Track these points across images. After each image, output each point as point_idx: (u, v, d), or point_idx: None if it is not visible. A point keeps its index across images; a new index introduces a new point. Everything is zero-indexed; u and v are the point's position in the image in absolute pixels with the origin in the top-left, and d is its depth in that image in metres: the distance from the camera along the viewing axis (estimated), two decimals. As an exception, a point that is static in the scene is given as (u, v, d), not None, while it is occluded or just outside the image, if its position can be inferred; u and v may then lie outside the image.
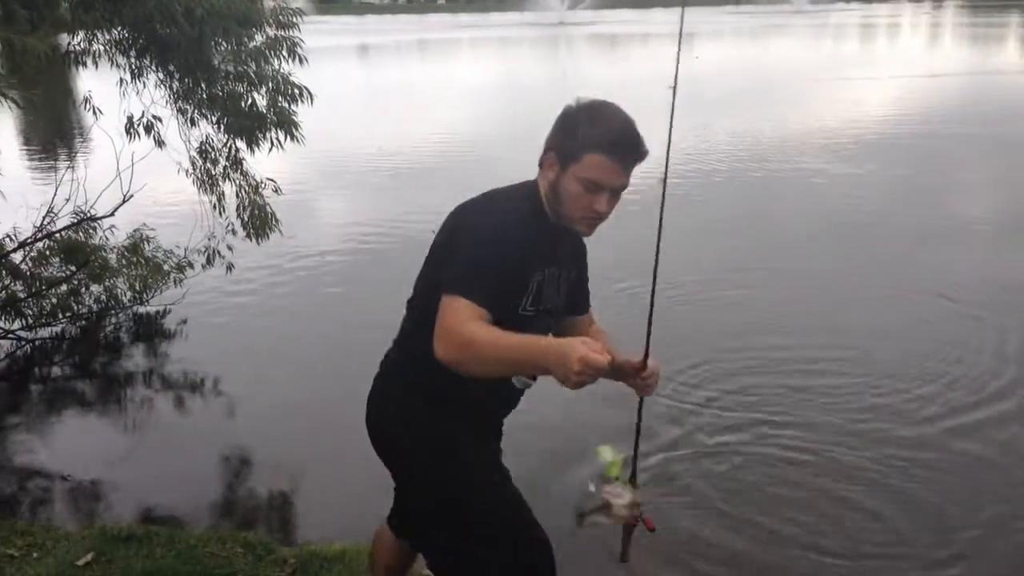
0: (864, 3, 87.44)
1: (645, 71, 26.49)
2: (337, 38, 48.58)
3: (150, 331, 7.09)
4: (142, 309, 7.30)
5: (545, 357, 1.94)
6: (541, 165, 2.31)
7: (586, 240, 2.46)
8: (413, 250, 8.96)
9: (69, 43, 6.07)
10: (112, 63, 6.21)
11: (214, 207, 6.82)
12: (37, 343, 6.82)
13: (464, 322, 2.04)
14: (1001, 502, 4.25)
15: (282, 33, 6.30)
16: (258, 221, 6.69)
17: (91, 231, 7.06)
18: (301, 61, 6.37)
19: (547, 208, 2.29)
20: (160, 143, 6.57)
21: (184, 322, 7.14)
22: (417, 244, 8.89)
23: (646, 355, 2.30)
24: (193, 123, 6.53)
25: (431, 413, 2.44)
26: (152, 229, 7.44)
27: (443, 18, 68.51)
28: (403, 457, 2.57)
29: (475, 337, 2.02)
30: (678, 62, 2.46)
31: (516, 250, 2.19)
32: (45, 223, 6.94)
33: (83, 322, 7.11)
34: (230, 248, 7.06)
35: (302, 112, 6.44)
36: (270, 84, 6.24)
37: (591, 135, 2.19)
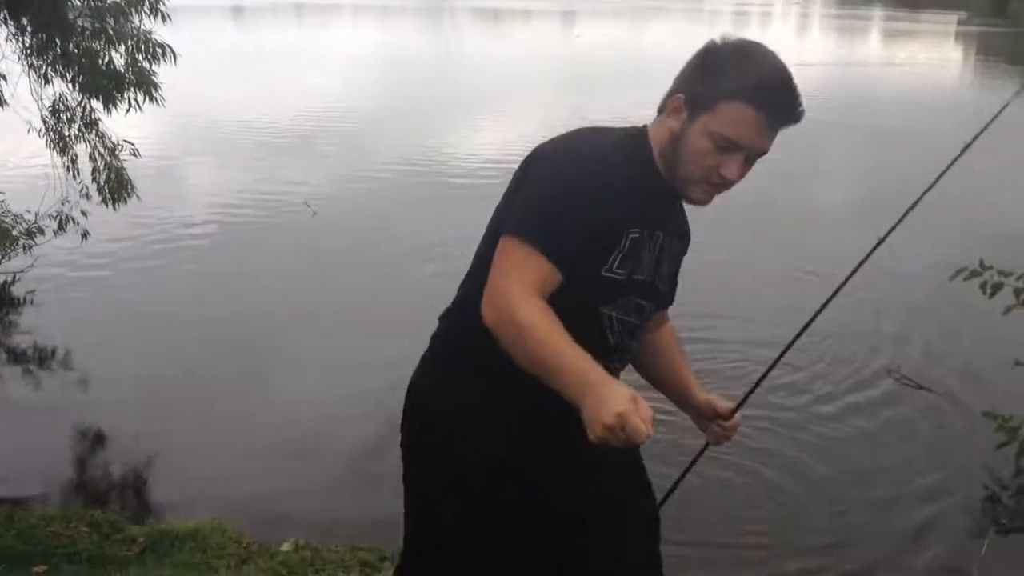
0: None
1: (529, 47, 26.56)
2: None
3: (-4, 299, 6.71)
4: (-13, 276, 6.90)
5: (582, 388, 1.53)
6: (662, 110, 1.82)
7: None
8: (278, 225, 8.81)
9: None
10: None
11: (67, 170, 6.49)
12: None
13: (521, 292, 1.63)
14: (879, 481, 4.46)
15: (144, -13, 6.02)
16: (114, 185, 6.42)
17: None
18: (164, 19, 6.11)
19: (658, 162, 1.82)
20: (1, 102, 6.22)
21: (33, 291, 6.78)
22: (283, 219, 8.75)
23: (741, 403, 2.01)
24: (47, 80, 6.20)
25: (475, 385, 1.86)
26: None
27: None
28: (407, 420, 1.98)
29: (526, 322, 1.61)
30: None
31: (607, 191, 1.72)
32: None
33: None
34: (85, 214, 6.71)
35: (165, 73, 6.18)
36: (129, 42, 5.97)
37: (736, 80, 1.72)
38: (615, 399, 1.48)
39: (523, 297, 1.63)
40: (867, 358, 5.70)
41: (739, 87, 1.71)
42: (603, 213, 1.72)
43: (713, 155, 1.74)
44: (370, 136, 12.51)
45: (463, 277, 1.91)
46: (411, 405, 1.95)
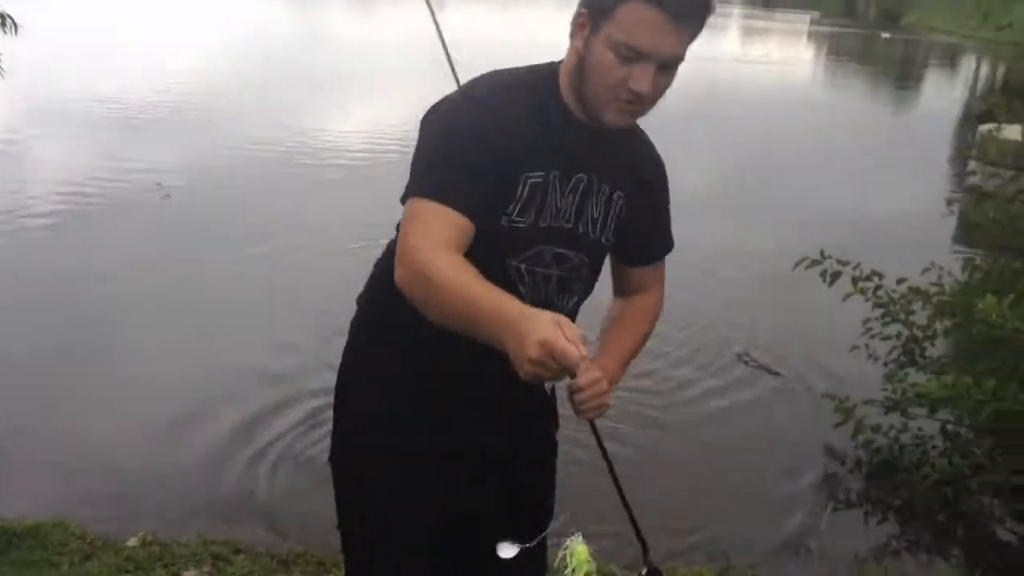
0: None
1: (398, 31, 26.26)
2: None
3: None
4: None
5: (502, 328, 1.40)
6: (572, 34, 1.65)
7: None
8: (129, 208, 8.43)
9: None
10: None
11: None
12: None
13: (431, 247, 1.52)
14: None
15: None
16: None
17: None
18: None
19: (568, 95, 1.67)
20: None
21: None
22: (135, 202, 8.38)
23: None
24: None
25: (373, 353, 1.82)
26: None
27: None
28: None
29: (436, 274, 1.49)
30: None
31: (498, 135, 1.60)
32: None
33: None
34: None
35: (5, 45, 5.81)
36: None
37: None
38: (536, 328, 1.34)
39: (433, 251, 1.52)
40: (720, 345, 5.91)
41: None
42: (495, 158, 1.60)
43: (619, 68, 1.56)
44: (228, 115, 12.09)
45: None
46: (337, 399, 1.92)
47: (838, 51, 32.04)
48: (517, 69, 1.72)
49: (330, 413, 1.95)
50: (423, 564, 1.83)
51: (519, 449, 1.87)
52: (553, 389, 1.84)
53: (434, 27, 1.76)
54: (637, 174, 1.78)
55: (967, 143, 8.82)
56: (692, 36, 1.60)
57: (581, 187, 1.70)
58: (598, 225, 1.75)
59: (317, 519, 3.85)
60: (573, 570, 1.55)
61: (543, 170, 1.65)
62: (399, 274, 1.56)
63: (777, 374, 5.50)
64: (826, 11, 48.53)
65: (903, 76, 26.46)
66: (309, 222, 7.29)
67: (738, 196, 9.88)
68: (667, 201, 1.89)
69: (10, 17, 5.78)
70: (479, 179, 1.58)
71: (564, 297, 1.76)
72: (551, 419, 1.97)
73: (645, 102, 1.60)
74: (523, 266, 1.69)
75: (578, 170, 1.69)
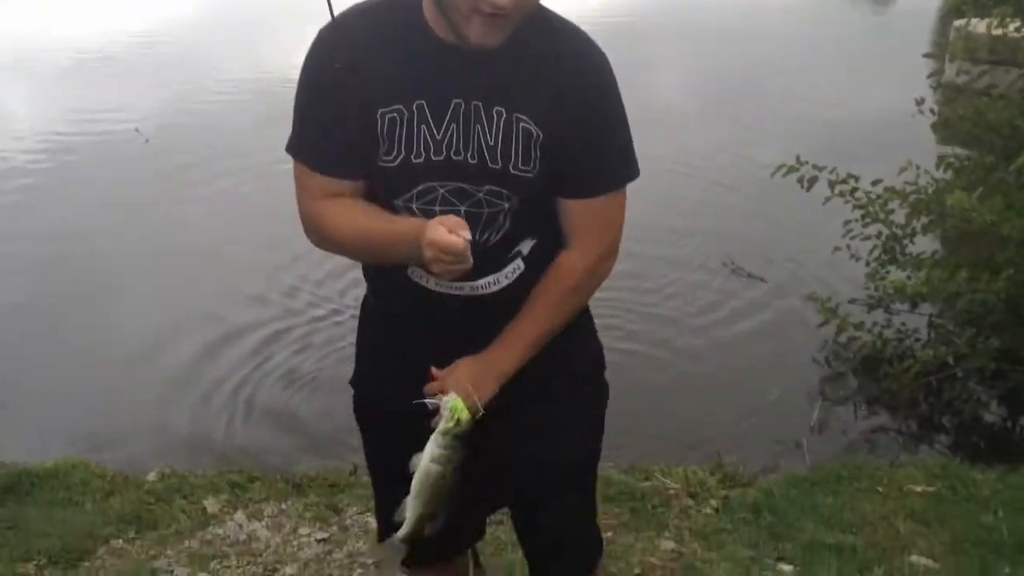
0: None
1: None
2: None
3: None
4: None
5: (397, 243, 1.53)
6: None
7: None
8: (109, 154, 8.31)
9: None
10: None
11: None
12: None
13: (309, 200, 1.62)
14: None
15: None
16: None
17: None
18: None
19: (432, 14, 1.53)
20: None
21: None
22: (114, 148, 8.27)
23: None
24: None
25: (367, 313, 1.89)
26: None
27: None
28: None
29: (319, 220, 1.61)
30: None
31: (345, 82, 1.53)
32: None
33: None
34: None
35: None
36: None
37: None
38: (420, 234, 1.45)
39: (314, 204, 1.62)
40: (704, 254, 6.01)
41: None
42: (348, 103, 1.54)
43: None
44: (202, 54, 11.94)
45: None
46: None
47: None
48: None
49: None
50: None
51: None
52: None
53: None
54: (558, 91, 1.55)
55: (944, 39, 8.80)
56: None
57: (461, 113, 1.55)
58: (497, 153, 1.55)
59: (327, 444, 4.03)
60: (455, 418, 1.55)
61: (401, 102, 1.54)
62: (310, 240, 1.68)
63: (761, 279, 5.61)
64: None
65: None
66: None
67: (716, 106, 9.88)
68: (613, 122, 1.62)
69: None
70: (335, 133, 1.57)
71: (483, 232, 1.60)
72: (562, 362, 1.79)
73: (509, 12, 1.42)
74: (413, 206, 1.59)
75: (454, 95, 1.54)
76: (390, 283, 1.73)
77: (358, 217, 1.59)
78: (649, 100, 10.33)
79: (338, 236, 1.62)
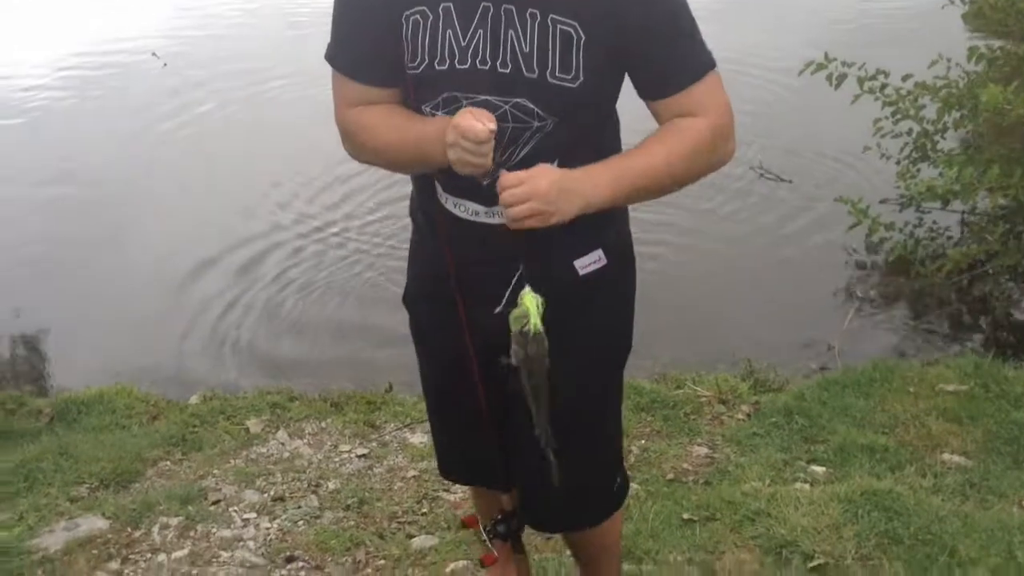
0: None
1: None
2: None
3: None
4: None
5: (425, 142, 1.51)
6: None
7: None
8: (127, 79, 8.17)
9: None
10: None
11: None
12: None
13: (344, 107, 1.63)
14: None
15: None
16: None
17: None
18: None
19: None
20: None
21: None
22: (131, 73, 8.11)
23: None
24: None
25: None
26: None
27: None
28: None
29: (352, 127, 1.62)
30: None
31: None
32: None
33: None
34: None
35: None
36: None
37: None
38: (447, 122, 1.45)
39: (348, 111, 1.62)
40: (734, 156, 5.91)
41: None
42: (373, 4, 1.53)
43: None
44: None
45: None
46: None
47: None
48: None
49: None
50: (451, 392, 1.89)
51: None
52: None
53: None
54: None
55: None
56: None
57: (490, 17, 1.47)
58: (534, 60, 1.47)
59: (362, 364, 4.10)
60: (527, 316, 1.49)
61: (426, 4, 1.49)
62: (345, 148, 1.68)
63: (789, 181, 5.55)
64: None
65: None
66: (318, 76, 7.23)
67: (735, 3, 9.64)
68: (671, 13, 1.51)
69: None
70: (363, 40, 1.56)
71: (504, 151, 1.53)
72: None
73: None
74: (439, 114, 1.55)
75: None
76: (423, 207, 1.73)
77: (390, 121, 1.58)
78: None
79: (370, 143, 1.62)
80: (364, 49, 1.57)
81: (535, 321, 1.47)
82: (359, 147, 1.66)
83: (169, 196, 5.84)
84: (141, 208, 5.73)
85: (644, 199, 1.62)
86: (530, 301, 1.48)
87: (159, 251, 5.22)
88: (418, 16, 1.50)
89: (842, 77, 4.46)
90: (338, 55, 1.61)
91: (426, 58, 1.52)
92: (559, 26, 1.46)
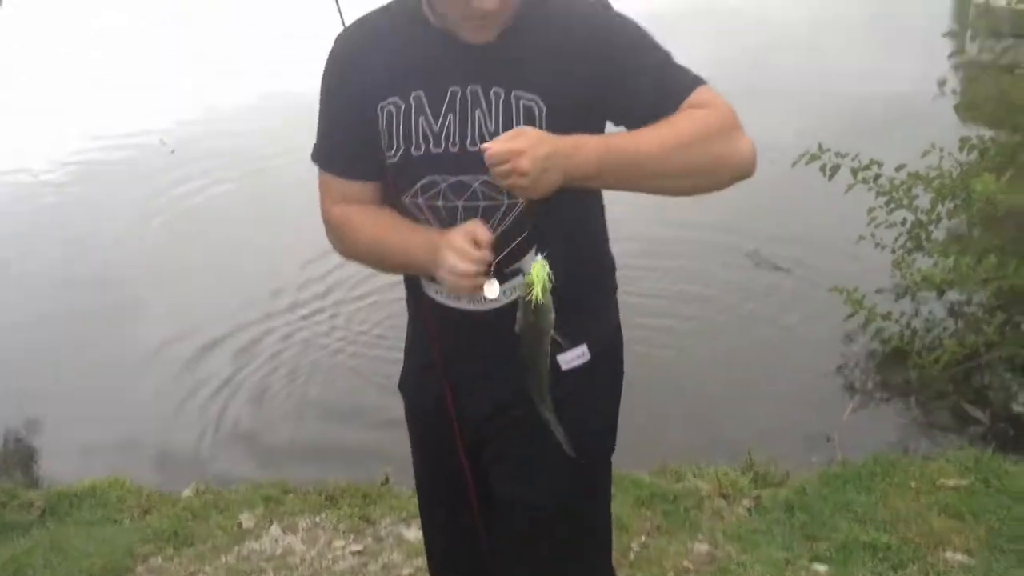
0: None
1: None
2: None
3: None
4: None
5: (413, 265, 1.62)
6: None
7: None
8: (135, 166, 8.31)
9: None
10: None
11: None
12: None
13: (329, 204, 1.67)
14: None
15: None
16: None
17: None
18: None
19: (429, 9, 1.56)
20: None
21: None
22: (139, 160, 8.26)
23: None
24: None
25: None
26: None
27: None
28: None
29: (340, 228, 1.66)
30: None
31: (350, 75, 1.59)
32: None
33: None
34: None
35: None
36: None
37: None
38: (439, 259, 1.49)
39: (332, 210, 1.67)
40: (730, 246, 5.98)
41: None
42: (350, 100, 1.59)
43: None
44: (220, 66, 11.97)
45: None
46: None
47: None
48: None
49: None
50: (439, 498, 1.92)
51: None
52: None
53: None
54: (561, 62, 1.51)
55: (964, 17, 8.68)
56: None
57: (458, 101, 1.53)
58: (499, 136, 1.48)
59: (358, 455, 4.06)
60: (534, 288, 1.44)
61: (398, 94, 1.55)
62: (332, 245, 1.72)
63: (787, 271, 5.58)
64: None
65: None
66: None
67: (733, 90, 9.80)
68: (634, 50, 1.54)
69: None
70: (342, 135, 1.63)
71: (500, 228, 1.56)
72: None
73: (490, 14, 1.46)
74: (420, 200, 1.58)
75: (450, 83, 1.53)
76: (412, 296, 1.76)
77: (378, 222, 1.62)
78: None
79: (359, 245, 1.66)
80: (344, 145, 1.64)
81: (537, 291, 1.43)
82: (348, 247, 1.69)
83: (171, 286, 5.87)
84: (140, 298, 5.76)
85: (645, 181, 1.52)
86: (538, 270, 1.44)
87: (153, 337, 5.22)
88: (391, 107, 1.56)
89: (835, 168, 4.52)
90: (321, 153, 1.68)
91: (402, 145, 1.56)
92: (521, 101, 1.52)
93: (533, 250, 1.56)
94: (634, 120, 1.53)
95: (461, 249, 1.46)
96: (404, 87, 1.55)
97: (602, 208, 1.74)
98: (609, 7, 1.58)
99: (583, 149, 1.44)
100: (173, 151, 8.24)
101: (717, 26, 13.28)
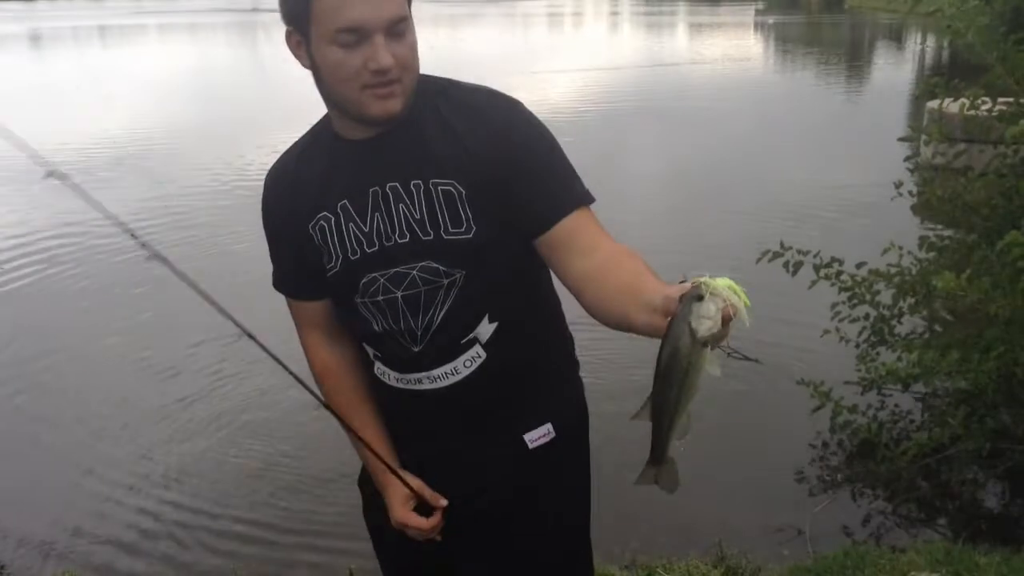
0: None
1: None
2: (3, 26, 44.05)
3: None
4: None
5: (375, 476, 1.78)
6: (297, 58, 1.56)
7: None
8: (94, 255, 8.26)
9: None
10: None
11: None
12: None
13: (299, 327, 1.82)
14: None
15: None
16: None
17: None
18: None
19: (334, 117, 1.61)
20: None
21: None
22: (99, 250, 8.22)
23: None
24: None
25: None
26: None
27: (123, 3, 63.79)
28: None
29: (319, 380, 1.80)
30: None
31: (281, 203, 1.68)
32: None
33: None
34: None
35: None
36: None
37: None
38: (391, 506, 1.73)
39: (311, 350, 1.81)
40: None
41: None
42: (285, 228, 1.69)
43: (349, 57, 1.45)
44: (182, 156, 12.09)
45: None
46: None
47: (786, 39, 32.48)
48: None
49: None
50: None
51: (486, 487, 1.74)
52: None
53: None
54: (469, 145, 1.54)
55: (918, 122, 9.02)
56: None
57: (380, 198, 1.58)
58: (426, 223, 1.55)
59: (320, 551, 3.95)
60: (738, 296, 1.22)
61: (326, 209, 1.62)
62: None
63: (756, 361, 5.61)
64: (769, 3, 49.28)
65: (853, 57, 26.89)
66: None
67: (695, 191, 10.07)
68: (537, 156, 1.57)
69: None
70: (287, 260, 1.74)
71: (424, 314, 1.60)
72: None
73: (396, 74, 1.47)
74: (367, 300, 1.63)
75: (370, 185, 1.58)
76: (368, 379, 1.78)
77: (351, 410, 1.75)
78: (624, 189, 10.49)
79: (334, 406, 1.75)
80: (291, 269, 1.74)
81: (745, 299, 1.22)
82: (327, 399, 1.79)
83: (127, 378, 5.79)
84: (93, 388, 5.68)
85: None
86: (724, 280, 1.22)
87: (113, 432, 5.12)
88: (322, 222, 1.63)
89: (798, 264, 4.61)
90: (276, 280, 1.80)
91: (340, 254, 1.62)
92: (440, 188, 1.55)
93: (486, 318, 1.59)
94: (528, 219, 1.56)
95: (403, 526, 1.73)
96: (331, 200, 1.61)
97: (549, 280, 1.72)
98: (511, 103, 1.61)
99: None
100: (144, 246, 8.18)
101: (681, 127, 13.67)
